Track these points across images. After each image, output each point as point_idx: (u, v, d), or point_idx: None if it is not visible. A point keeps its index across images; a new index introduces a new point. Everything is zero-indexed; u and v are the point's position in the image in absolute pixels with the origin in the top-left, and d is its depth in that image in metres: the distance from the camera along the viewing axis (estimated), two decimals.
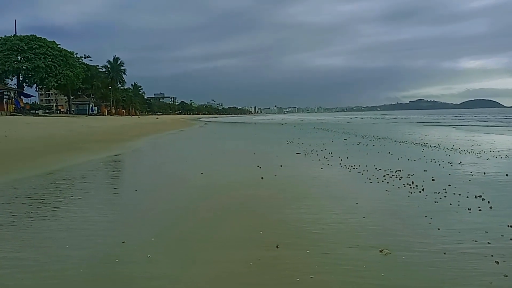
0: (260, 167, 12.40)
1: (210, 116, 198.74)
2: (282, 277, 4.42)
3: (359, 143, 21.49)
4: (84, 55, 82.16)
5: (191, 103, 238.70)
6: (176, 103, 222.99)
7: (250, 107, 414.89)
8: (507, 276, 4.34)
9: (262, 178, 10.58)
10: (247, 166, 13.08)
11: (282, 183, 10.00)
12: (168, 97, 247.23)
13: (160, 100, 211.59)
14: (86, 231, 6.15)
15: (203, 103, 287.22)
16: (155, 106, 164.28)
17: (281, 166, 12.68)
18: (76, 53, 72.56)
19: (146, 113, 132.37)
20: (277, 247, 5.30)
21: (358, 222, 6.44)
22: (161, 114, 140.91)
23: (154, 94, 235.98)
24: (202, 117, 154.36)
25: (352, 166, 12.28)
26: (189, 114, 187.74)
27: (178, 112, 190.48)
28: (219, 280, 4.40)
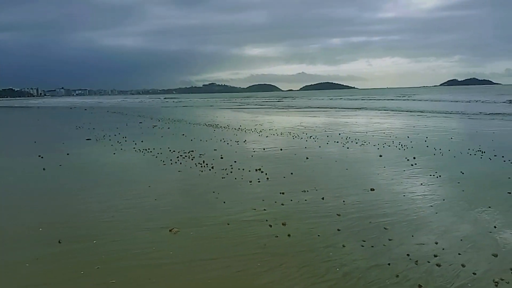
0: (42, 157, 11.06)
1: None
2: (65, 273, 4.04)
3: (155, 126, 21.45)
4: None
5: None
6: None
7: (31, 89, 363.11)
8: (277, 236, 5.02)
9: (44, 169, 9.47)
10: (26, 156, 11.47)
11: (68, 173, 9.16)
12: None
13: None
14: None
15: None
16: None
17: (67, 154, 11.61)
18: None
19: None
20: (59, 242, 4.82)
21: (150, 205, 6.43)
22: None
23: None
24: None
25: (146, 150, 12.16)
26: None
27: None
28: None
